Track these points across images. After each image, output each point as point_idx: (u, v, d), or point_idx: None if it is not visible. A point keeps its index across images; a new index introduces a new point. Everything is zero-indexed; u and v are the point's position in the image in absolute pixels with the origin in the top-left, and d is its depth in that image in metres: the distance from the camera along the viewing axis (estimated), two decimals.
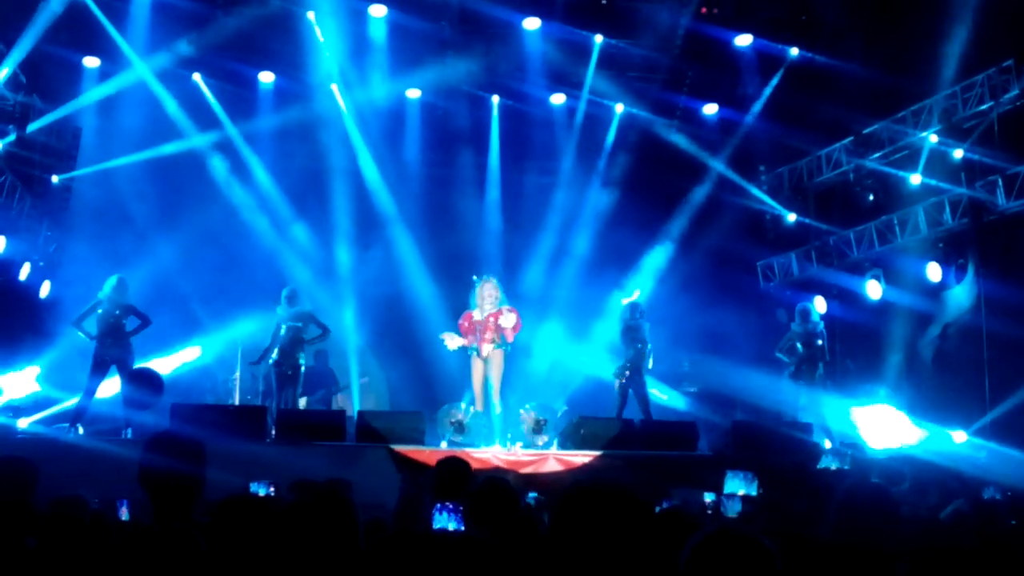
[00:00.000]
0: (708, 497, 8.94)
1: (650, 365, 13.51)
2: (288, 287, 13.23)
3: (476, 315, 12.92)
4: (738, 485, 8.89)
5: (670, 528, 3.63)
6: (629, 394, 13.32)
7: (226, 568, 3.80)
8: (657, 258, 17.39)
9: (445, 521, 4.96)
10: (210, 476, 4.27)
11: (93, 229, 15.14)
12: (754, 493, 8.66)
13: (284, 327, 12.84)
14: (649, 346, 13.40)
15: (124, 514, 6.36)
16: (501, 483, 5.12)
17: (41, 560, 4.19)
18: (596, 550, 3.14)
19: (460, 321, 13.08)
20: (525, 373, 15.42)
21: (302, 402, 13.78)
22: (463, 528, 4.99)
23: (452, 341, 12.97)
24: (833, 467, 12.09)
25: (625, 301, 14.34)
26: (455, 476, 5.72)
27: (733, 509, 8.35)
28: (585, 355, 16.60)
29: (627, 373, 13.26)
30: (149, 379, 11.44)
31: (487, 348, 12.76)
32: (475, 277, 13.21)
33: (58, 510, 4.65)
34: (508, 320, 12.81)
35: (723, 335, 16.48)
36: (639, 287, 16.74)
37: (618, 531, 3.19)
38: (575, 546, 3.15)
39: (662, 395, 15.63)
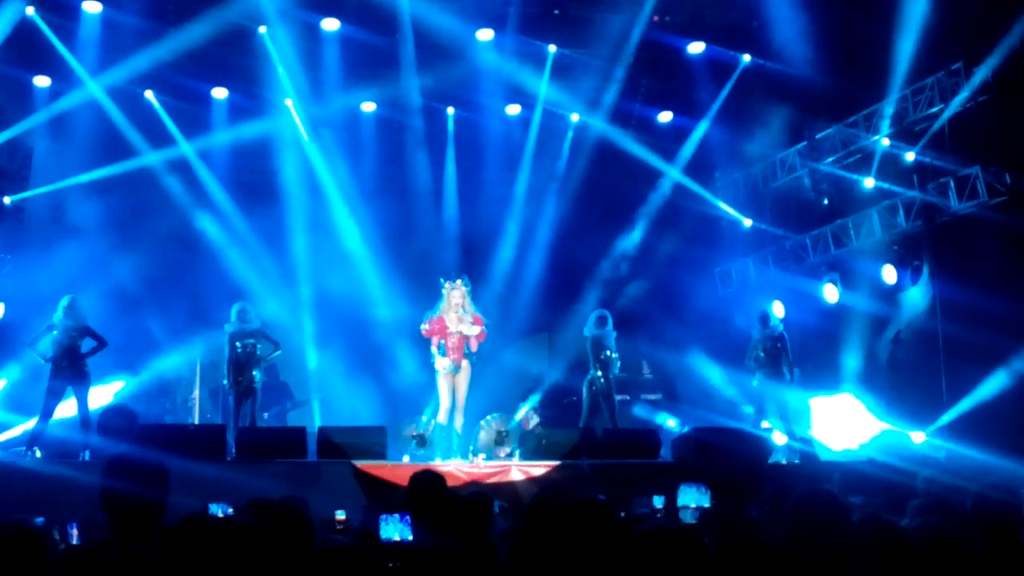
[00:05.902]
0: (657, 503, 8.92)
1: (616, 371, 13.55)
2: (238, 303, 13.01)
3: (450, 326, 12.67)
4: (691, 497, 8.88)
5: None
6: (598, 404, 13.32)
7: None
8: (615, 266, 17.41)
9: (392, 531, 4.92)
10: (169, 498, 4.22)
11: (47, 250, 14.93)
12: (707, 504, 8.65)
13: (238, 344, 12.67)
14: (615, 355, 13.40)
15: (74, 537, 6.28)
16: (482, 497, 5.08)
17: None
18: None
19: (427, 326, 12.79)
20: (486, 384, 15.34)
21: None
22: (411, 538, 4.96)
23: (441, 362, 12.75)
24: (783, 461, 12.18)
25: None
26: (429, 490, 5.69)
27: (688, 517, 8.36)
28: (545, 364, 16.56)
29: (603, 383, 13.25)
30: (122, 414, 11.26)
31: (454, 356, 12.65)
32: (442, 280, 12.98)
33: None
34: (472, 329, 12.70)
35: (682, 342, 16.53)
36: (601, 297, 16.76)
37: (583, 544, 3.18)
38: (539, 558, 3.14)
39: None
